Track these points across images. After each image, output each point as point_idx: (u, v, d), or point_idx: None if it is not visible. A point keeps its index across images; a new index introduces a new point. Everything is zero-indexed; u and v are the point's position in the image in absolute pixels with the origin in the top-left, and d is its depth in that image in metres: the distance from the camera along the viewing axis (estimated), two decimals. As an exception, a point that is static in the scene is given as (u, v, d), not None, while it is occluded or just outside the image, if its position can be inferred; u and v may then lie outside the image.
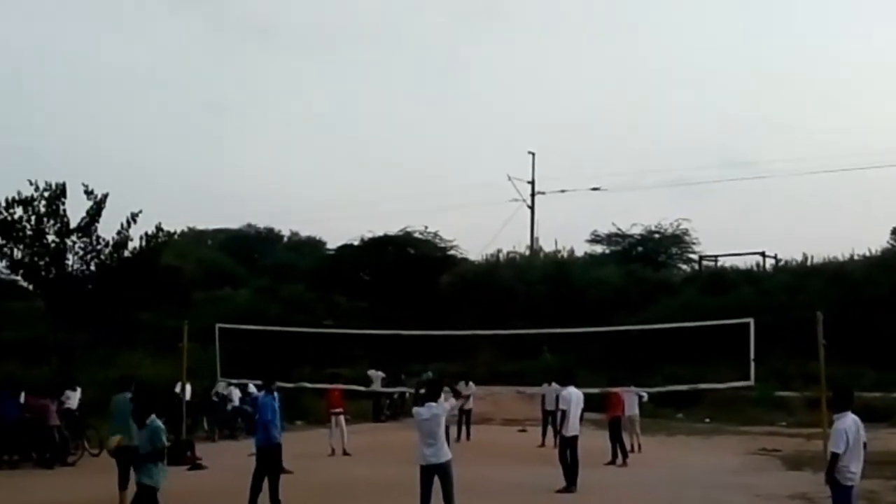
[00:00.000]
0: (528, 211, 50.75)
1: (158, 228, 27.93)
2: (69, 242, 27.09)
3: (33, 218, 26.63)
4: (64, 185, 26.87)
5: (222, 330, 21.41)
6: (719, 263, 46.38)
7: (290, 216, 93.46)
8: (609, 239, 51.61)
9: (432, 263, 46.14)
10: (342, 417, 21.64)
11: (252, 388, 23.90)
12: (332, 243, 54.11)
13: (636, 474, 17.76)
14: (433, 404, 11.49)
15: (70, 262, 27.29)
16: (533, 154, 50.34)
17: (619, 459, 19.20)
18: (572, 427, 15.72)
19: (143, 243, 27.79)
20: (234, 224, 61.98)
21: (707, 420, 28.30)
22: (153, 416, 10.12)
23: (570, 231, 67.57)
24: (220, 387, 25.29)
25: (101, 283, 27.29)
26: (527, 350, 34.76)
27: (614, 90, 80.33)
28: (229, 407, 25.79)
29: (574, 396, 15.91)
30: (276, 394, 14.39)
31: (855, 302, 33.07)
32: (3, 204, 26.40)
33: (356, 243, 48.11)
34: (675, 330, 23.04)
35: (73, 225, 27.04)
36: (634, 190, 65.07)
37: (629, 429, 20.72)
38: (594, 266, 47.13)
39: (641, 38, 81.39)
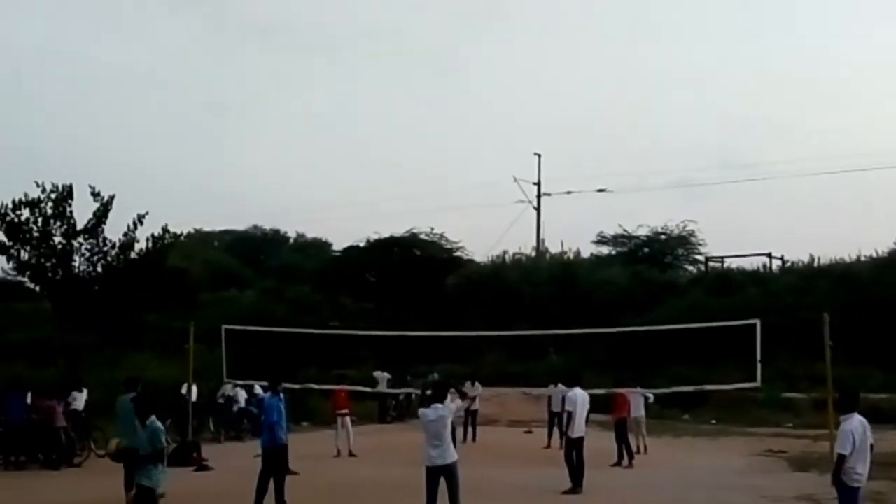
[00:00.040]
0: (534, 212, 50.86)
1: (165, 230, 27.98)
2: (76, 244, 27.13)
3: (40, 220, 26.68)
4: (71, 186, 26.94)
5: (228, 331, 21.44)
6: (726, 265, 46.31)
7: (290, 216, 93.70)
8: (615, 240, 51.58)
9: (438, 265, 46.15)
10: (348, 419, 21.63)
11: (258, 390, 23.91)
12: (338, 245, 54.35)
13: (642, 475, 17.74)
14: (439, 406, 11.48)
15: (77, 264, 27.34)
16: (539, 155, 50.49)
17: (625, 461, 19.16)
18: (578, 428, 15.71)
19: (150, 245, 27.83)
20: (240, 225, 62.27)
21: (713, 421, 28.24)
22: (153, 417, 10.12)
23: (575, 232, 67.60)
24: (227, 389, 25.32)
25: (108, 284, 27.32)
26: (533, 351, 34.76)
27: (614, 90, 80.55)
28: (235, 408, 25.81)
29: (580, 398, 15.90)
30: (281, 395, 14.41)
31: (862, 303, 32.97)
32: (10, 206, 26.47)
33: (362, 245, 48.21)
34: (681, 331, 23.04)
35: (79, 226, 27.10)
36: (639, 191, 65.10)
37: (635, 430, 20.68)
38: (600, 267, 47.12)
39: (641, 38, 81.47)
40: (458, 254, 48.72)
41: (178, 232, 29.34)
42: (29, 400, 19.77)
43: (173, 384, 22.87)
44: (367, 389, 26.65)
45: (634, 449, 19.94)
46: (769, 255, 44.51)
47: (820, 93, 74.36)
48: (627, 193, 79.19)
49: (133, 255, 27.79)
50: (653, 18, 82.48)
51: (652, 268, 45.31)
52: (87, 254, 27.34)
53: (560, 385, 20.76)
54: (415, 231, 48.29)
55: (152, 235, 27.81)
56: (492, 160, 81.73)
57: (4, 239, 26.81)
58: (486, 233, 71.25)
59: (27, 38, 77.50)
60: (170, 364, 26.15)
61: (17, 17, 77.78)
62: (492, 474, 16.51)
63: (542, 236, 50.78)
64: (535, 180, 50.65)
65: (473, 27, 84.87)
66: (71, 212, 27.02)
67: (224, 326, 21.48)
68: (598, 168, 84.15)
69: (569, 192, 49.88)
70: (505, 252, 49.50)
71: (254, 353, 24.60)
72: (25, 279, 29.51)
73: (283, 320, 29.44)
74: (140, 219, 27.44)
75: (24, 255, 27.01)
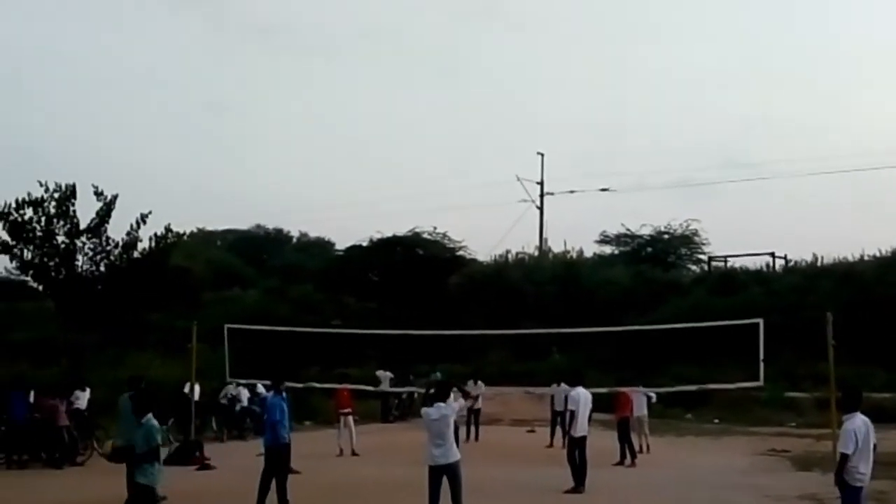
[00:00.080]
0: (537, 212, 50.84)
1: (168, 229, 28.04)
2: (79, 243, 27.20)
3: (43, 219, 26.74)
4: (74, 186, 27.00)
5: (231, 330, 21.45)
6: (729, 264, 46.28)
7: (292, 216, 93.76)
8: (618, 239, 51.58)
9: (441, 264, 46.17)
10: (350, 418, 21.63)
11: (261, 389, 23.92)
12: (341, 244, 54.41)
13: (645, 475, 17.73)
14: (442, 405, 11.48)
15: (80, 263, 27.41)
16: (542, 155, 50.47)
17: (628, 460, 19.16)
18: (581, 427, 15.71)
19: (153, 244, 27.88)
20: (243, 225, 62.32)
21: (716, 421, 28.21)
22: (149, 415, 10.12)
23: (578, 232, 67.74)
24: (230, 389, 25.33)
25: (111, 283, 27.38)
26: (536, 350, 34.76)
27: (615, 90, 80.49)
28: (238, 407, 25.82)
29: (583, 397, 15.90)
30: (284, 394, 14.40)
31: (865, 302, 32.96)
32: (14, 205, 26.52)
33: (364, 244, 48.25)
34: (684, 330, 22.99)
35: (82, 226, 27.14)
36: (642, 191, 65.12)
37: (638, 429, 20.67)
38: (603, 267, 47.12)
39: (641, 38, 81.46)
40: (460, 253, 48.80)
41: (181, 231, 29.40)
42: (32, 399, 19.78)
43: (176, 383, 22.87)
44: (370, 388, 26.68)
45: (637, 448, 19.93)
46: (772, 255, 44.51)
47: (820, 93, 74.45)
48: (630, 193, 79.29)
49: (136, 254, 27.86)
50: (653, 18, 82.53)
51: (655, 267, 45.30)
52: (90, 253, 27.42)
53: (563, 384, 20.76)
54: (417, 230, 48.38)
55: (155, 235, 27.89)
56: (494, 160, 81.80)
57: (8, 238, 26.89)
58: (488, 232, 71.30)
59: (27, 38, 77.74)
60: (173, 363, 26.16)
61: (17, 17, 77.97)
62: (494, 473, 16.49)
63: (544, 236, 50.82)
64: (538, 179, 50.71)
65: (473, 27, 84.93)
66: (74, 211, 27.10)
67: (227, 326, 21.49)
68: (601, 167, 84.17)
69: (572, 192, 49.94)
70: (508, 251, 49.55)
71: (256, 352, 24.59)
72: (29, 278, 29.56)
73: (285, 319, 29.46)
74: (143, 218, 27.51)
75: (28, 255, 27.09)
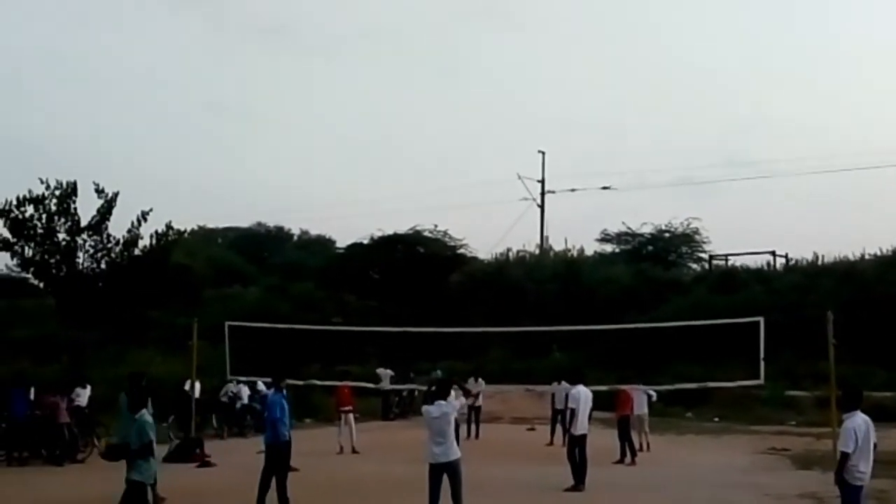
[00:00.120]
0: (538, 210, 50.84)
1: (168, 227, 28.07)
2: (80, 241, 27.24)
3: (44, 216, 26.76)
4: (75, 183, 27.03)
5: (232, 328, 21.43)
6: (729, 263, 46.31)
7: (292, 214, 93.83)
8: (619, 238, 51.63)
9: (442, 262, 46.20)
10: (351, 415, 21.62)
11: (261, 386, 23.93)
12: (342, 242, 54.43)
13: (645, 473, 17.73)
14: (443, 402, 11.48)
15: (81, 260, 27.45)
16: (543, 153, 50.47)
17: (628, 458, 19.16)
18: (581, 426, 15.71)
19: (154, 242, 27.90)
20: (244, 223, 62.39)
21: (716, 419, 28.22)
22: (144, 411, 10.12)
23: (579, 230, 67.81)
24: (230, 386, 25.33)
25: (112, 281, 27.41)
26: (536, 349, 34.77)
27: (616, 89, 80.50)
28: (238, 405, 25.83)
29: (583, 395, 15.90)
30: (285, 391, 14.38)
31: (866, 301, 32.97)
32: (15, 202, 26.54)
33: (365, 242, 48.28)
34: (684, 329, 22.99)
35: (83, 223, 27.15)
36: (643, 189, 65.17)
37: (638, 428, 20.66)
38: (604, 265, 47.16)
39: (641, 37, 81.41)
40: (461, 251, 48.85)
41: (182, 229, 29.45)
42: (33, 396, 19.78)
43: (177, 381, 22.86)
44: (371, 386, 26.68)
45: (637, 447, 19.93)
46: (773, 253, 44.54)
47: (820, 93, 74.43)
48: (631, 191, 79.19)
49: (137, 251, 27.89)
50: (653, 18, 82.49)
51: (656, 265, 45.34)
52: (91, 250, 27.45)
53: (563, 382, 20.73)
54: (418, 228, 48.43)
55: (156, 232, 27.93)
56: (495, 158, 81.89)
57: (9, 235, 26.91)
58: (489, 230, 71.49)
59: (27, 38, 77.71)
60: (173, 360, 26.18)
61: (17, 17, 77.95)
62: (494, 471, 16.49)
63: (545, 234, 50.82)
64: (539, 178, 50.71)
65: (473, 27, 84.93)
66: (75, 209, 27.13)
67: (227, 323, 21.46)
68: (602, 166, 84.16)
69: (573, 190, 50.00)
70: (508, 249, 49.60)
71: (257, 349, 24.57)
72: (29, 276, 29.63)
73: (286, 317, 29.51)
74: (144, 216, 27.54)
75: (29, 252, 27.13)
